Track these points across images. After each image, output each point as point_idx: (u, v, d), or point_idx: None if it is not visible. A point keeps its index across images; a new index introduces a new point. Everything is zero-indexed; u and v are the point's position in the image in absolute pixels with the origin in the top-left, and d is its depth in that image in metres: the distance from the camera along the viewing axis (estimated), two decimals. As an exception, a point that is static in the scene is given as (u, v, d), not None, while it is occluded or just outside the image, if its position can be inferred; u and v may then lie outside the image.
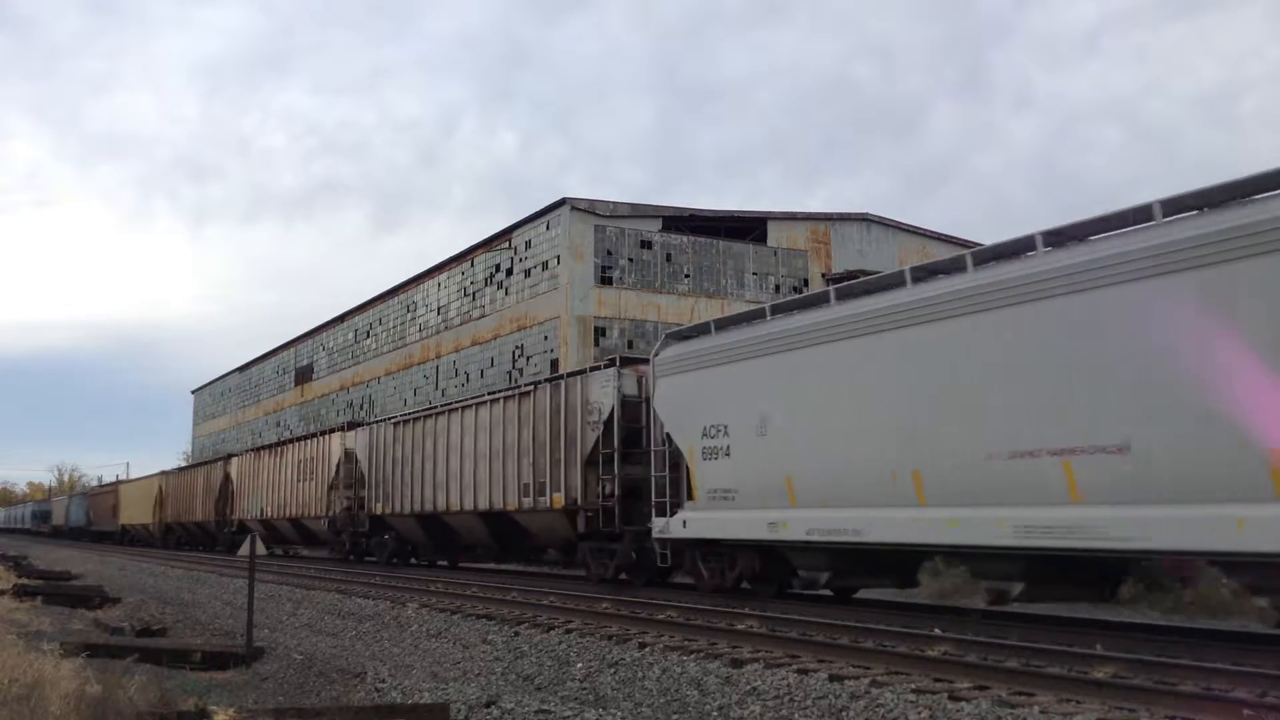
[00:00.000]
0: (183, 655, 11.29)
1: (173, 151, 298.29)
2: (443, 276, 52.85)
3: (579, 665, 10.46)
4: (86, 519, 74.74)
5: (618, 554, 18.50)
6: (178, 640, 13.45)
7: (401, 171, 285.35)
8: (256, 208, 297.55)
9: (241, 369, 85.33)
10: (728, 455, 14.92)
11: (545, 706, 8.15)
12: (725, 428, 14.93)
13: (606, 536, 18.80)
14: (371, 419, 35.24)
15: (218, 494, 42.85)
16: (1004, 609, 13.39)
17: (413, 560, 28.25)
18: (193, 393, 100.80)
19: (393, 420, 27.63)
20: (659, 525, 16.39)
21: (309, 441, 33.78)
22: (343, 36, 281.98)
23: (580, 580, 20.09)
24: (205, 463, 49.88)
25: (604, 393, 18.67)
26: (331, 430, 33.00)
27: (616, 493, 18.07)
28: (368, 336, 61.35)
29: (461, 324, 50.41)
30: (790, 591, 15.71)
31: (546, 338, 43.47)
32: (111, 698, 7.54)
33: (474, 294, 49.72)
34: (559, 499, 19.67)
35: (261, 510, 37.04)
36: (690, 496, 15.82)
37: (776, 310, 14.93)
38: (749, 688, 8.66)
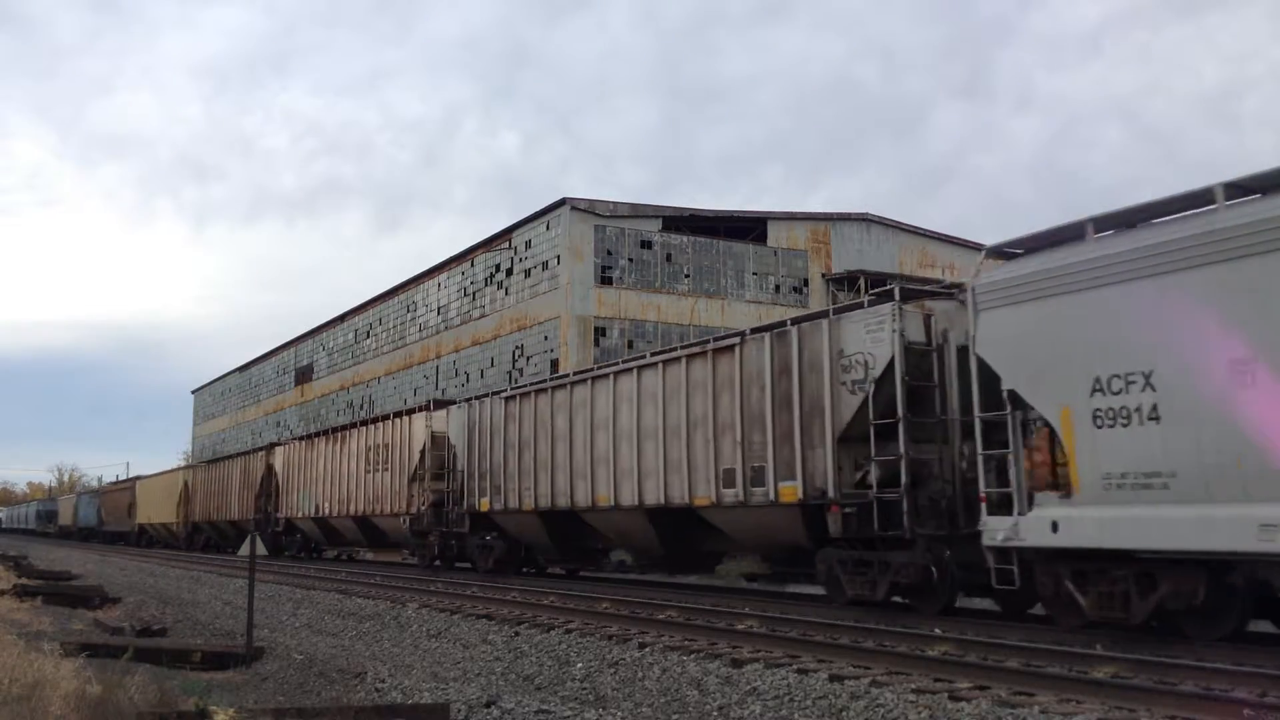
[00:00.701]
0: (183, 655, 11.29)
1: (175, 152, 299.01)
2: (443, 276, 52.84)
3: (579, 665, 10.46)
4: (98, 518, 70.07)
5: (897, 568, 12.90)
6: (178, 640, 13.45)
7: (403, 172, 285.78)
8: (258, 208, 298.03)
9: (241, 369, 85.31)
10: (1153, 419, 9.78)
11: (545, 706, 8.15)
12: (1146, 376, 9.85)
13: (867, 543, 13.48)
14: (464, 395, 30.92)
15: (258, 488, 37.73)
16: (1003, 608, 13.37)
17: (525, 569, 23.16)
18: (193, 393, 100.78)
19: (502, 394, 22.24)
20: (1000, 529, 11.07)
21: (381, 425, 28.49)
22: (345, 37, 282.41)
23: (818, 602, 14.90)
24: (242, 454, 43.43)
25: (874, 340, 13.25)
26: (412, 410, 27.78)
27: (904, 480, 12.71)
28: (368, 336, 61.33)
29: (461, 324, 50.39)
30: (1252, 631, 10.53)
31: (546, 338, 43.46)
32: (111, 698, 7.54)
33: (474, 294, 49.71)
34: (791, 490, 14.27)
35: (316, 507, 32.10)
36: (1058, 485, 10.83)
37: (1238, 190, 9.70)
38: (749, 688, 8.66)
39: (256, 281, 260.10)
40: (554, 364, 41.22)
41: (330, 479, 31.21)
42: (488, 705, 8.21)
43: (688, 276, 45.20)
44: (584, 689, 9.62)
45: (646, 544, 18.53)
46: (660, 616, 13.15)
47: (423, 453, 25.51)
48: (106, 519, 67.20)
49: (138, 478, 63.54)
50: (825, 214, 49.16)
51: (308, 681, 10.04)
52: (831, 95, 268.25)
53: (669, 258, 44.98)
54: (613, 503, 18.07)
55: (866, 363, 13.31)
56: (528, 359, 44.24)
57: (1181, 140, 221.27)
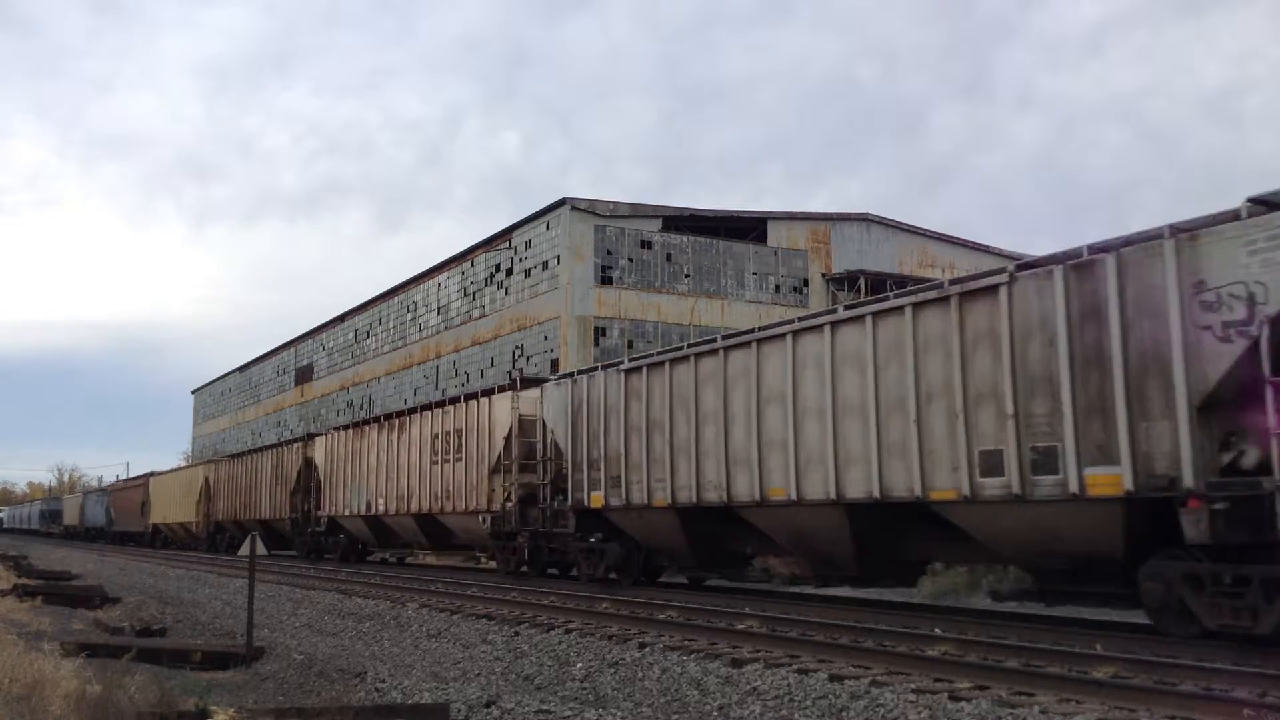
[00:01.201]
0: (183, 655, 11.29)
1: (176, 152, 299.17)
2: (443, 276, 52.86)
3: (579, 665, 10.46)
4: (107, 518, 66.01)
5: None
6: (178, 640, 13.45)
7: (404, 172, 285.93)
8: (259, 208, 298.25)
9: (241, 369, 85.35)
10: None
11: (545, 706, 8.15)
12: None
13: (1233, 552, 9.55)
14: (560, 372, 27.91)
15: (294, 484, 34.02)
16: (1003, 609, 13.38)
17: (644, 578, 18.56)
18: (193, 393, 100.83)
19: (620, 366, 17.99)
20: None
21: (452, 409, 24.58)
22: (346, 37, 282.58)
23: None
24: (272, 446, 39.68)
25: (1263, 264, 9.32)
26: (491, 391, 23.52)
27: None
28: (368, 336, 61.35)
29: (461, 324, 50.41)
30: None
31: (546, 338, 43.47)
32: (111, 698, 7.54)
33: (474, 294, 49.73)
34: (1109, 479, 10.29)
35: (368, 504, 28.34)
36: None
37: None
38: (749, 688, 8.66)
39: (257, 282, 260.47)
40: (554, 364, 41.23)
41: (385, 472, 27.39)
42: (488, 705, 8.21)
43: (688, 276, 45.21)
44: (584, 689, 9.62)
45: (833, 549, 14.37)
46: (660, 616, 13.15)
47: (508, 439, 21.92)
48: (116, 519, 63.69)
49: (151, 474, 58.72)
50: (825, 214, 49.20)
51: (308, 681, 10.03)
52: (832, 95, 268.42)
53: (669, 258, 44.99)
54: (792, 497, 14.07)
55: (1252, 295, 9.27)
56: (528, 359, 44.25)
57: (1182, 140, 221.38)
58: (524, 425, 21.58)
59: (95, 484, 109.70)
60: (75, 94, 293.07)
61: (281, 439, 45.96)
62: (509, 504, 21.56)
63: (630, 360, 17.87)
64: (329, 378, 66.10)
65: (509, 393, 22.35)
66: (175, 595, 21.49)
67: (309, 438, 34.53)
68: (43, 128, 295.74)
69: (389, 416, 28.39)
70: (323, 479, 31.32)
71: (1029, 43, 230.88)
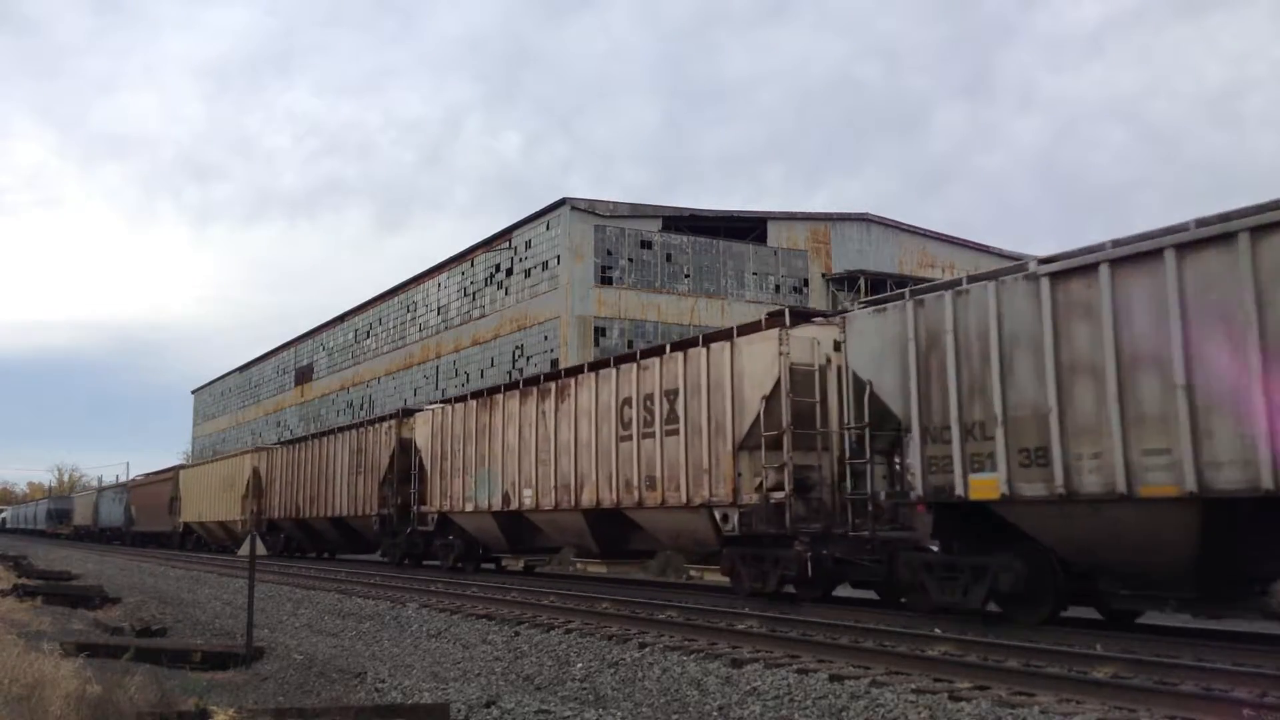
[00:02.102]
0: (183, 655, 11.29)
1: (177, 152, 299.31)
2: (443, 276, 52.87)
3: (579, 665, 10.46)
4: (126, 517, 59.78)
5: None
6: (178, 640, 13.45)
7: (405, 172, 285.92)
8: (260, 208, 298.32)
9: (242, 369, 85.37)
10: None
11: (545, 706, 8.15)
12: None
13: None
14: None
15: (384, 472, 27.80)
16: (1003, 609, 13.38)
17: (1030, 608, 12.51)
18: (193, 393, 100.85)
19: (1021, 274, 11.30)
20: None
21: (655, 363, 17.41)
22: (347, 37, 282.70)
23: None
24: (353, 426, 32.01)
25: None
26: (729, 334, 16.21)
27: None
28: (368, 336, 61.36)
29: (461, 324, 50.41)
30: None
31: (546, 338, 43.47)
32: (111, 698, 7.54)
33: (474, 294, 49.73)
34: None
35: (504, 497, 21.42)
36: None
37: None
38: (749, 688, 8.66)
39: (258, 282, 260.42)
40: (554, 364, 41.24)
41: (534, 454, 20.50)
42: (488, 705, 8.21)
43: (688, 276, 45.21)
44: (584, 689, 9.62)
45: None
46: (660, 616, 13.15)
47: (767, 401, 14.78)
48: (138, 518, 57.32)
49: (180, 466, 52.98)
50: (825, 214, 49.22)
51: (308, 681, 10.03)
52: (833, 95, 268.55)
53: (669, 258, 45.00)
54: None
55: None
56: (528, 359, 44.26)
57: (1183, 140, 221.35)
58: (798, 379, 14.88)
59: (95, 484, 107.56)
60: (76, 94, 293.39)
61: (419, 404, 32.85)
62: (773, 492, 14.90)
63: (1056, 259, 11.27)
64: (329, 378, 66.11)
65: (769, 332, 15.24)
66: (175, 595, 21.49)
67: (405, 414, 28.06)
68: (43, 127, 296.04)
69: (541, 380, 21.39)
70: (428, 465, 25.09)
71: (1030, 43, 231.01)
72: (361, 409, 57.54)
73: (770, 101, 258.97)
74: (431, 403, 27.55)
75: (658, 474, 17.05)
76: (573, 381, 19.74)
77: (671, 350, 17.25)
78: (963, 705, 7.39)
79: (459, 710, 8.05)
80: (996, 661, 9.00)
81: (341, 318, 65.32)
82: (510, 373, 44.09)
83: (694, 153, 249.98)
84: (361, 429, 30.49)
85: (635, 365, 17.94)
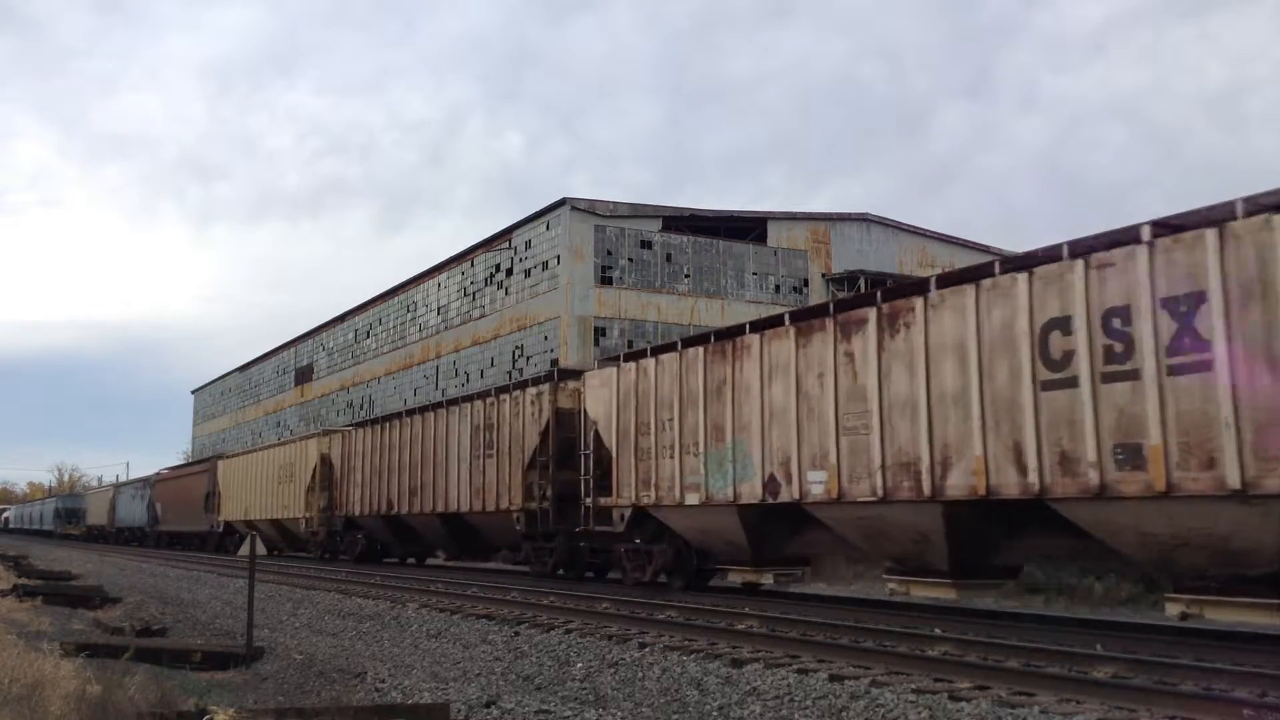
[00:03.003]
0: (183, 655, 11.29)
1: (179, 152, 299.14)
2: (443, 276, 52.87)
3: (579, 665, 10.46)
4: (150, 516, 53.72)
5: None
6: (178, 640, 13.45)
7: (407, 172, 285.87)
8: (261, 208, 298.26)
9: (242, 369, 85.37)
10: None
11: (545, 706, 8.15)
12: None
13: None
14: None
15: (530, 456, 21.21)
16: (1003, 609, 13.39)
17: None
18: (193, 393, 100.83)
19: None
20: None
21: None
22: (350, 37, 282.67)
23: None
24: (477, 396, 24.58)
25: None
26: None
27: None
28: (368, 336, 61.37)
29: (461, 324, 50.41)
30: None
31: (546, 338, 43.48)
32: (111, 698, 7.54)
33: (474, 294, 49.74)
34: None
35: (772, 481, 14.47)
36: None
37: None
38: (749, 688, 8.66)
39: (259, 282, 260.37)
40: (554, 364, 41.22)
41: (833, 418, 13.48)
42: (488, 705, 8.21)
43: (688, 276, 45.22)
44: (584, 689, 9.62)
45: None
46: (660, 616, 13.15)
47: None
48: (165, 516, 51.27)
49: (218, 456, 46.43)
50: (825, 214, 49.23)
51: (308, 681, 10.04)
52: (835, 95, 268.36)
53: (669, 258, 45.01)
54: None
55: None
56: (528, 359, 44.27)
57: (1185, 141, 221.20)
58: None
59: (96, 483, 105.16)
60: (78, 94, 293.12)
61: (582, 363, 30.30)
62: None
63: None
64: (329, 378, 66.11)
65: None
66: (175, 595, 21.49)
67: (564, 375, 21.86)
68: (45, 128, 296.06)
69: (837, 308, 14.18)
70: (611, 443, 18.12)
71: (1033, 43, 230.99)
72: (361, 409, 57.54)
73: (772, 101, 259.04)
74: (610, 358, 20.07)
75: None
76: (920, 302, 12.57)
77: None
78: (963, 705, 7.39)
79: (459, 710, 8.05)
80: (996, 661, 9.00)
81: (341, 318, 65.33)
82: (510, 373, 44.10)
83: (696, 153, 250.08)
84: (490, 399, 23.25)
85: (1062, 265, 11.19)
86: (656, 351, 17.56)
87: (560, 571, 21.26)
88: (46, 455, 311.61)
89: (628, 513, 17.79)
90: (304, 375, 70.84)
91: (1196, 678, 7.89)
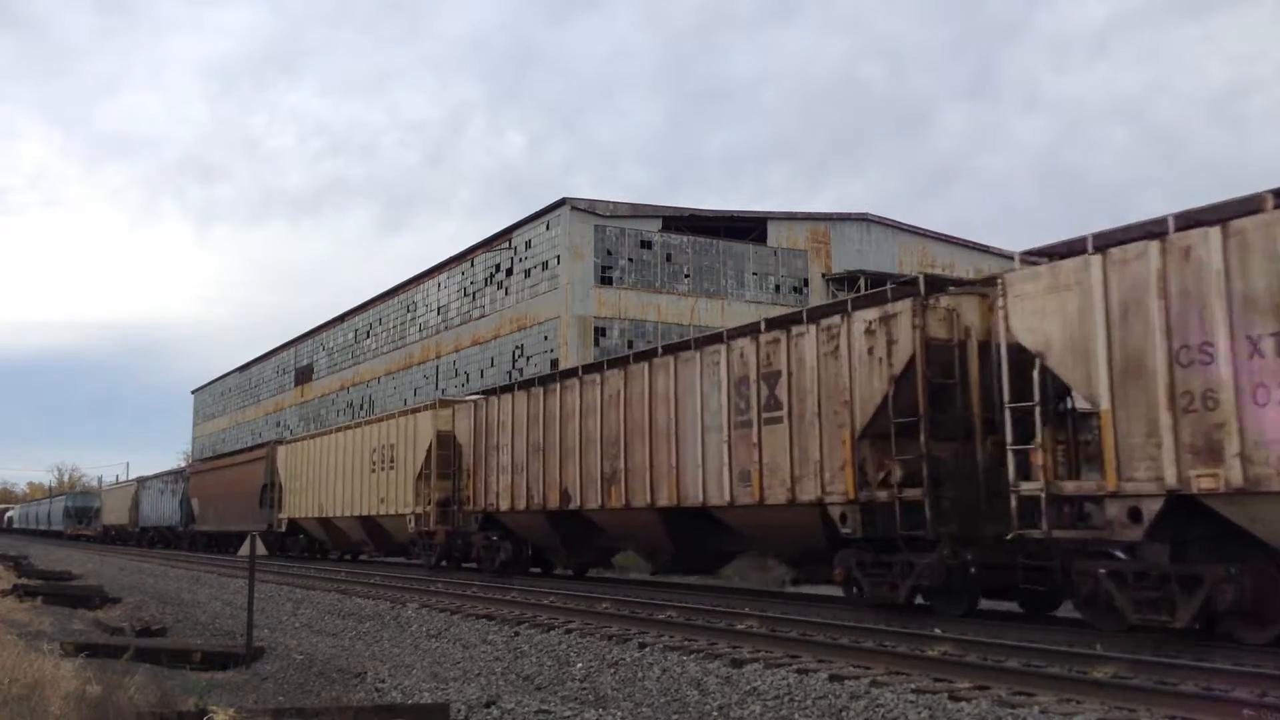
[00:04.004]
0: (183, 655, 11.30)
1: (181, 152, 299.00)
2: (443, 276, 52.86)
3: (579, 665, 10.46)
4: (184, 514, 46.50)
5: None
6: (178, 640, 13.45)
7: (408, 172, 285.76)
8: (263, 208, 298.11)
9: (242, 369, 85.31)
10: None
11: (545, 706, 8.15)
12: None
13: None
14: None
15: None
16: (1003, 609, 13.38)
17: None
18: (193, 393, 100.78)
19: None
20: None
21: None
22: (352, 37, 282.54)
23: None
24: (735, 334, 15.87)
25: None
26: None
27: None
28: (368, 336, 61.35)
29: (461, 324, 50.40)
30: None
31: (546, 338, 43.47)
32: (111, 698, 7.54)
33: (474, 294, 49.72)
34: None
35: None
36: None
37: None
38: (749, 688, 8.66)
39: (260, 282, 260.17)
40: (554, 364, 41.22)
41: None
42: (488, 705, 8.21)
43: (688, 276, 45.21)
44: (584, 689, 9.62)
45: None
46: (660, 616, 13.15)
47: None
48: (204, 514, 43.76)
49: (277, 441, 40.01)
50: (825, 214, 49.21)
51: (308, 681, 10.04)
52: (837, 95, 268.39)
53: (669, 258, 45.00)
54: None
55: None
56: (528, 359, 44.26)
57: (1186, 141, 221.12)
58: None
59: (96, 483, 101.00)
60: (80, 94, 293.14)
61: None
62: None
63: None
64: (329, 378, 66.09)
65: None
66: (175, 595, 21.48)
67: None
68: (48, 127, 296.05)
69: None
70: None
71: (1034, 43, 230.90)
72: (361, 409, 57.52)
73: (774, 101, 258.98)
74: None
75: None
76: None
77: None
78: (963, 705, 7.39)
79: (459, 710, 8.05)
80: (996, 661, 9.00)
81: (341, 318, 65.31)
82: (510, 373, 44.07)
83: (698, 153, 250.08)
84: (752, 337, 15.37)
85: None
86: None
87: (443, 563, 24.98)
88: (46, 455, 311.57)
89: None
90: (304, 375, 70.81)
91: (1196, 678, 7.89)
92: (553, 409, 20.21)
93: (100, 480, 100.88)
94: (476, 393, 27.99)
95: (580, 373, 19.77)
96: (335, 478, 30.09)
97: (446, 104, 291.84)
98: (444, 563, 24.87)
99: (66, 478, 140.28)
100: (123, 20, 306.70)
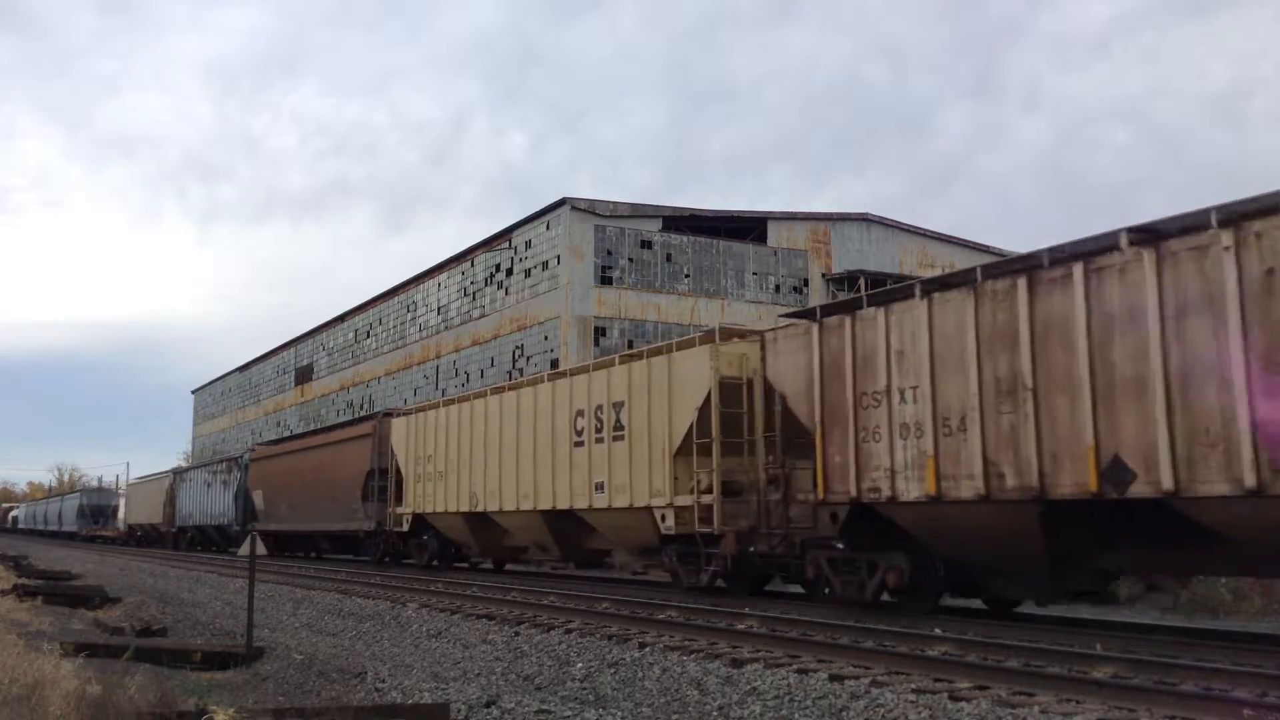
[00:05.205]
0: (183, 655, 11.30)
1: (183, 152, 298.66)
2: (443, 276, 52.86)
3: (579, 665, 10.46)
4: (241, 511, 38.72)
5: None
6: (178, 640, 13.45)
7: (410, 172, 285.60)
8: (265, 208, 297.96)
9: (242, 369, 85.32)
10: None
11: (545, 706, 8.15)
12: None
13: None
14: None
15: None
16: (1003, 609, 13.41)
17: None
18: (193, 393, 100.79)
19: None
20: None
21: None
22: (355, 37, 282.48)
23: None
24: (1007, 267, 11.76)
25: None
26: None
27: None
28: (368, 336, 61.35)
29: (461, 324, 50.41)
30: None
31: (546, 338, 43.47)
32: (111, 698, 7.54)
33: (474, 294, 49.73)
34: None
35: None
36: None
37: None
38: (749, 688, 8.66)
39: (261, 282, 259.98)
40: (554, 364, 41.22)
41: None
42: (488, 705, 8.21)
43: (688, 276, 45.21)
44: (584, 689, 9.62)
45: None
46: (660, 616, 13.15)
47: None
48: (270, 510, 36.07)
49: (386, 413, 30.07)
50: (825, 214, 49.21)
51: (308, 681, 10.04)
52: (839, 95, 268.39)
53: (669, 258, 45.00)
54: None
55: None
56: (528, 359, 44.26)
57: (1188, 141, 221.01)
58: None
59: (96, 483, 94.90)
60: (82, 94, 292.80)
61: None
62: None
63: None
64: (329, 378, 66.10)
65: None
66: (175, 595, 21.48)
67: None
68: (49, 128, 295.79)
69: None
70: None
71: (1037, 43, 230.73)
72: (361, 409, 57.50)
73: (776, 102, 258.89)
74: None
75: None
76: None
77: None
78: (963, 705, 7.39)
79: (459, 710, 8.05)
80: (996, 661, 9.00)
81: (341, 318, 65.31)
82: (510, 373, 44.08)
83: (700, 153, 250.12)
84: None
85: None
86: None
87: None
88: (46, 455, 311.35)
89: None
90: (304, 375, 70.81)
91: (1196, 678, 7.89)
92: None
93: (100, 480, 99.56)
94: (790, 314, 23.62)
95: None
96: (497, 457, 21.98)
97: (448, 104, 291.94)
98: (720, 581, 16.58)
99: (66, 478, 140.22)
100: (125, 20, 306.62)
